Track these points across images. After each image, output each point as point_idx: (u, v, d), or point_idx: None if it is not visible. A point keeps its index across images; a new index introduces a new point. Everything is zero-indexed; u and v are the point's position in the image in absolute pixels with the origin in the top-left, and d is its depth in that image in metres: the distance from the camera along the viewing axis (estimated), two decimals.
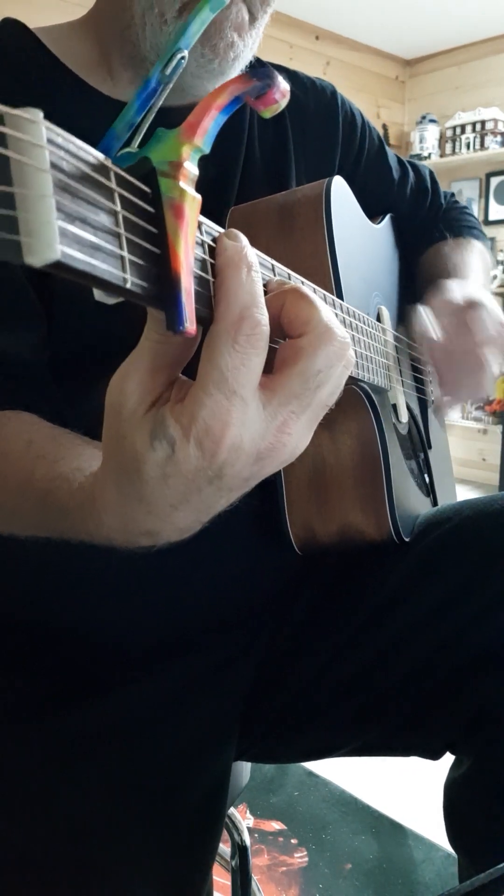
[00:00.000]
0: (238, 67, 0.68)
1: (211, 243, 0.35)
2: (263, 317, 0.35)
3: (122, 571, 0.69)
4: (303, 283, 0.45)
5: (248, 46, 0.68)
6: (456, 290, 0.80)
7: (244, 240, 0.36)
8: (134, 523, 0.39)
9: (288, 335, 0.37)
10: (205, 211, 0.34)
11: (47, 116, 0.26)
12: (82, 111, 0.66)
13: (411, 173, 0.98)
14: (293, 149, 0.81)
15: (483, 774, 0.73)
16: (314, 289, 0.46)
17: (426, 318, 0.77)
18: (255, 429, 0.35)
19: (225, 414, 0.34)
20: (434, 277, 0.89)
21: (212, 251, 0.35)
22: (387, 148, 0.94)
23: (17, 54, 0.69)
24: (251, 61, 0.81)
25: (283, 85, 0.35)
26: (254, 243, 0.37)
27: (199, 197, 0.32)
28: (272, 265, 0.42)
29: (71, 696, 0.66)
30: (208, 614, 0.73)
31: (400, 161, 0.97)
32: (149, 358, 0.35)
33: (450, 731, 0.74)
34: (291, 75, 0.85)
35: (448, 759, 0.79)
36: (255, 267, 0.35)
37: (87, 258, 0.26)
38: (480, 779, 0.73)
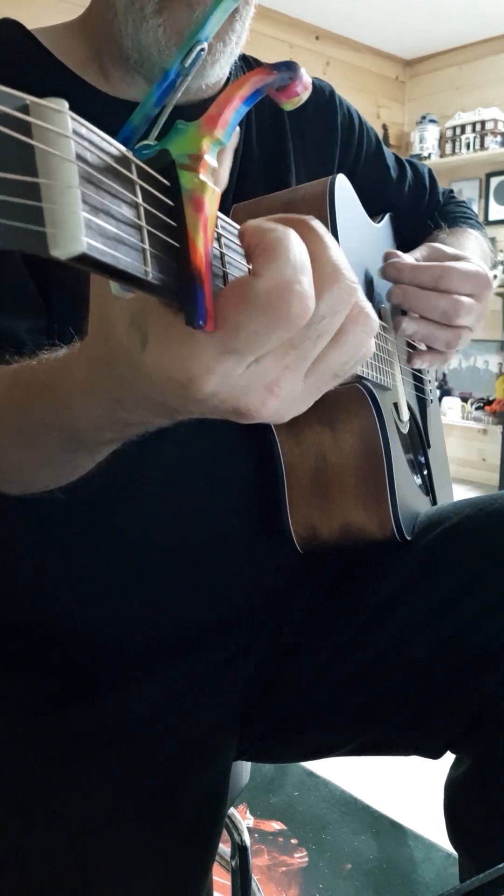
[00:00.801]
0: (220, 64, 0.68)
1: (227, 237, 0.34)
2: (310, 299, 0.31)
3: (122, 571, 0.69)
4: None
5: (228, 43, 0.67)
6: (447, 247, 0.78)
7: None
8: (103, 391, 0.38)
9: None
10: None
11: None
12: (83, 109, 0.65)
13: (409, 172, 0.98)
14: (292, 149, 0.81)
15: (483, 773, 0.73)
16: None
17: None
18: (237, 385, 0.32)
19: (211, 361, 0.31)
20: None
21: (222, 244, 0.34)
22: (385, 147, 0.95)
23: (16, 54, 0.69)
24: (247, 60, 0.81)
25: (306, 78, 0.35)
26: None
27: (218, 190, 0.32)
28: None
29: (71, 696, 0.66)
30: (208, 614, 0.73)
31: (398, 160, 0.97)
32: None
33: (450, 731, 0.74)
34: None
35: (448, 758, 0.79)
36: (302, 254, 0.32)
37: (110, 251, 0.26)
38: (481, 778, 0.73)
